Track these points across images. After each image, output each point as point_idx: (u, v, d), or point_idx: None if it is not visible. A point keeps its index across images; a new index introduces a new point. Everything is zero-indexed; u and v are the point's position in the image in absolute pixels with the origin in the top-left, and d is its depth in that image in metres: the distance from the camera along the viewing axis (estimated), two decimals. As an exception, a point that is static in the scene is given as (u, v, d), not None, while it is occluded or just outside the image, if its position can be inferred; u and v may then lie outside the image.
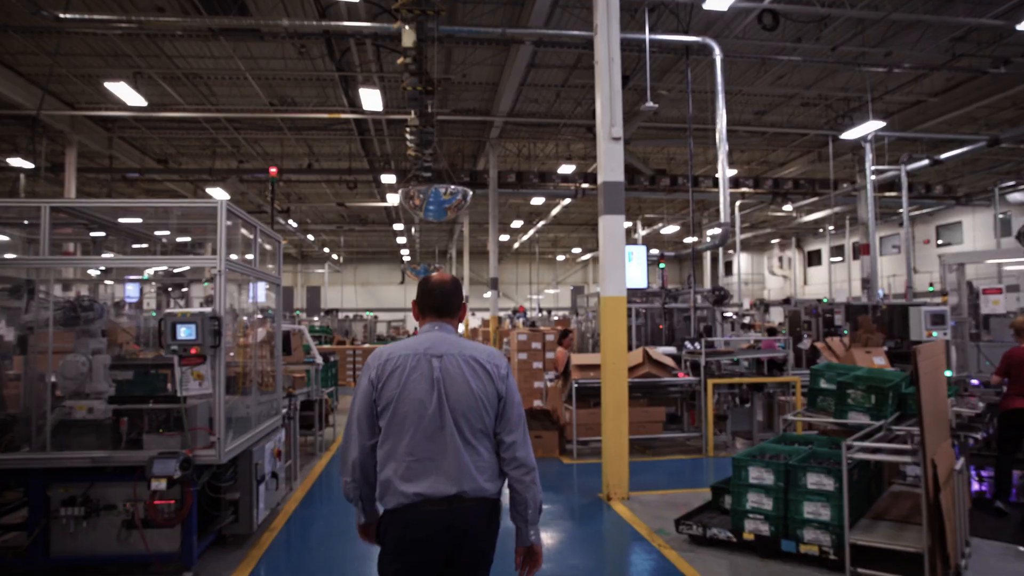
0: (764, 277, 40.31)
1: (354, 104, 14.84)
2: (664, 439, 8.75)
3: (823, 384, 5.84)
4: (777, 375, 9.08)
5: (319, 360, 8.41)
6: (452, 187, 9.55)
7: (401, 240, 33.98)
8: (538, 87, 15.04)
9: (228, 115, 15.17)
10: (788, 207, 22.64)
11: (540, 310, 33.80)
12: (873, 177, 15.24)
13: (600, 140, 6.62)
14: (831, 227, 27.83)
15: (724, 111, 10.75)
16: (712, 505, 5.45)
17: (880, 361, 9.36)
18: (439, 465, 2.24)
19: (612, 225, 6.52)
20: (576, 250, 40.90)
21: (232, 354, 5.67)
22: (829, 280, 25.40)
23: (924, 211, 25.30)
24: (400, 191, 9.41)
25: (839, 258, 31.15)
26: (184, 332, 4.14)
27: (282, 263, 6.41)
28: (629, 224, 30.46)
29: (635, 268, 11.64)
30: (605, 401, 6.50)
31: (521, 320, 28.45)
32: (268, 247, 6.43)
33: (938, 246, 26.58)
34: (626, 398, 6.46)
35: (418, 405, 2.26)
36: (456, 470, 2.24)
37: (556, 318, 32.86)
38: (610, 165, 6.53)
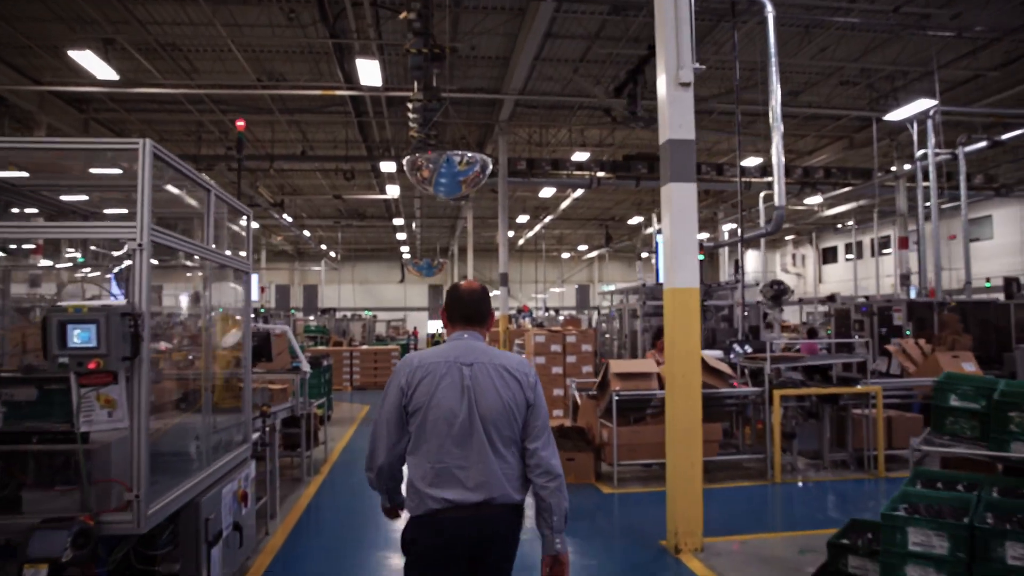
0: (776, 275, 38.91)
1: (350, 80, 13.41)
2: (720, 462, 7.30)
3: (955, 402, 4.41)
4: (835, 384, 7.65)
5: (306, 367, 6.97)
6: (469, 155, 7.95)
7: (401, 236, 32.55)
8: (554, 62, 13.61)
9: (211, 91, 13.73)
10: (816, 199, 21.22)
11: (547, 309, 32.34)
12: (923, 162, 13.79)
13: (664, 87, 5.18)
14: (851, 221, 26.46)
15: (778, 81, 9.30)
16: (833, 571, 4.01)
17: (970, 367, 7.94)
18: (468, 472, 2.25)
19: (682, 196, 5.08)
20: (582, 247, 39.47)
21: (170, 364, 4.26)
22: (855, 276, 23.99)
23: (953, 204, 23.89)
24: (406, 161, 7.93)
25: (850, 255, 29.82)
26: (78, 336, 2.68)
27: (252, 246, 4.96)
28: (640, 219, 29.03)
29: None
30: (672, 420, 5.07)
31: (527, 319, 27.08)
32: (241, 230, 5.01)
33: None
34: (699, 418, 5.02)
35: (448, 412, 2.27)
36: (485, 477, 2.25)
37: (563, 318, 31.44)
38: (678, 118, 5.10)
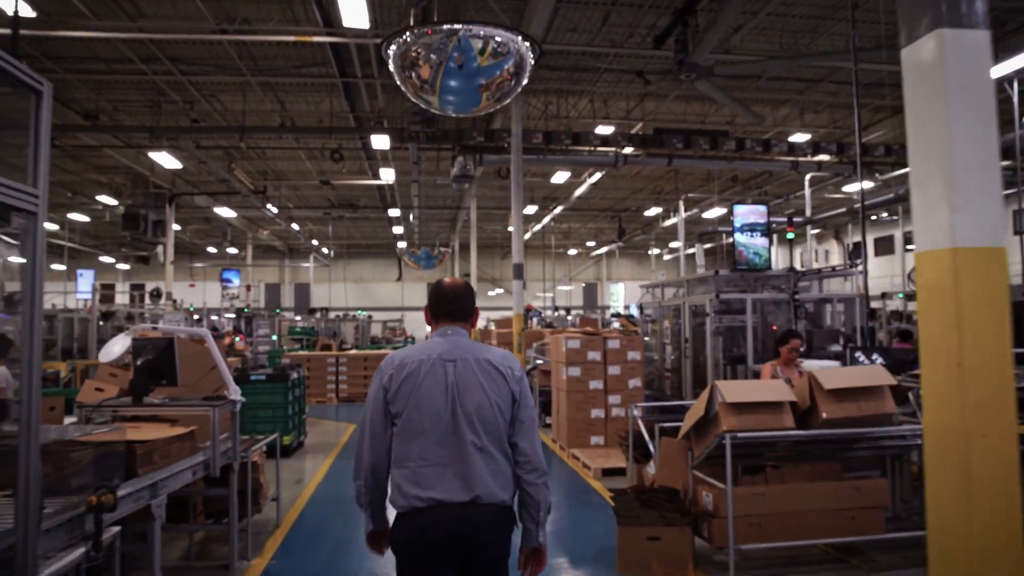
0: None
1: (331, 24, 10.89)
2: (890, 540, 4.74)
3: None
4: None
5: (236, 395, 4.41)
6: (498, 36, 5.18)
7: (398, 230, 30.03)
8: (581, 4, 11.12)
9: (156, 36, 11.19)
10: (863, 184, 18.71)
11: (555, 309, 29.78)
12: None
13: None
14: (884, 213, 24.03)
15: None
16: None
17: None
18: (452, 470, 2.21)
19: (965, 58, 2.55)
20: (591, 243, 36.94)
21: None
22: (903, 271, 21.49)
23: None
24: (392, 52, 5.30)
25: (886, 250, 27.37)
26: None
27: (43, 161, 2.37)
28: (658, 210, 26.51)
29: (744, 239, 7.72)
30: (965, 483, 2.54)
31: (535, 319, 24.57)
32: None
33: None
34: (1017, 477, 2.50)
35: (431, 410, 2.24)
36: (470, 476, 2.20)
37: (573, 317, 28.89)
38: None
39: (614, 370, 8.51)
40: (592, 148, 15.34)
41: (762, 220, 7.73)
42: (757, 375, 7.60)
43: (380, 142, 14.60)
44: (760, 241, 7.64)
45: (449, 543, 2.17)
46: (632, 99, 15.52)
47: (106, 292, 32.49)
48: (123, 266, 37.00)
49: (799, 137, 15.87)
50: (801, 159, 16.48)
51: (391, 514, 2.32)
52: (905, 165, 16.11)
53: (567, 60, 13.23)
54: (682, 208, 20.18)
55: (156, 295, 20.82)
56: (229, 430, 4.42)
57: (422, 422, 2.23)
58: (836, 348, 7.40)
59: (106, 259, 34.88)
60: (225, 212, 21.22)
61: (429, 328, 2.47)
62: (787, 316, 8.43)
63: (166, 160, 15.00)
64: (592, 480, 7.25)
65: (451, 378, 2.27)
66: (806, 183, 17.27)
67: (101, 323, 16.08)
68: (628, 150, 15.35)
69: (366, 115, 14.96)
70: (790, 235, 8.38)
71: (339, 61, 12.82)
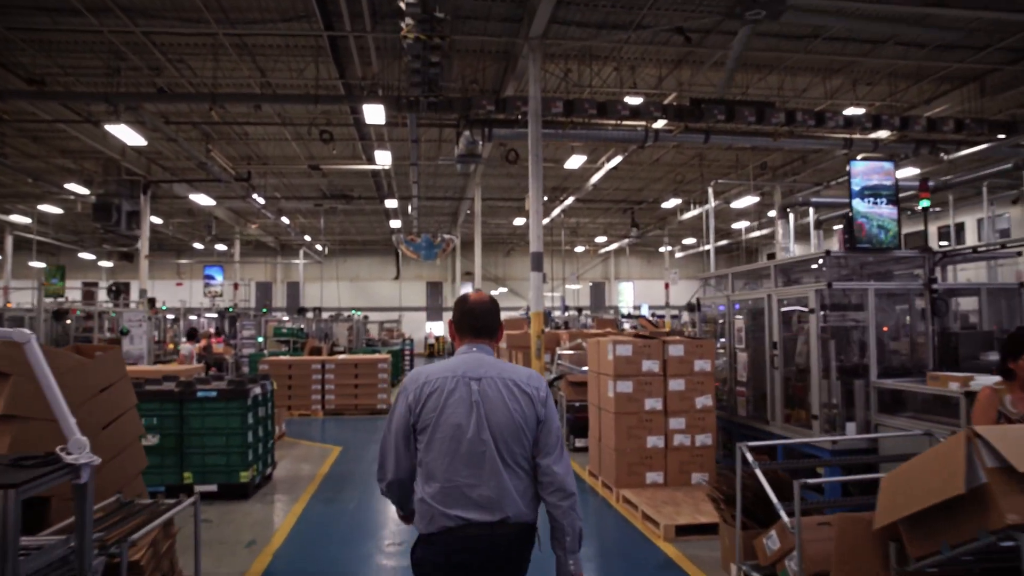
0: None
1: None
2: None
3: None
4: None
5: (82, 452, 2.35)
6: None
7: (395, 224, 28.03)
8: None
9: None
10: (913, 172, 16.76)
11: (566, 308, 27.72)
12: None
13: None
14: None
15: None
16: None
17: None
18: (479, 491, 2.16)
19: None
20: (600, 239, 34.89)
21: None
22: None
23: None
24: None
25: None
26: None
27: None
28: (676, 201, 24.46)
29: (864, 207, 5.69)
30: None
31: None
32: None
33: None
34: None
35: (456, 429, 2.20)
36: (498, 496, 2.17)
37: (586, 318, 26.88)
38: None
39: (677, 385, 6.48)
40: (618, 122, 13.34)
41: (888, 181, 5.71)
42: (886, 395, 5.57)
43: (374, 114, 12.55)
44: (886, 211, 5.62)
45: (476, 563, 2.14)
46: (665, 65, 13.49)
47: (87, 290, 30.37)
48: (106, 263, 34.93)
49: (854, 111, 13.85)
50: (856, 136, 14.49)
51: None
52: (977, 143, 14.12)
53: (594, 14, 11.21)
54: (711, 195, 18.11)
55: (115, 292, 18.69)
56: (71, 514, 2.38)
57: (448, 441, 2.19)
58: (992, 356, 5.39)
59: (86, 256, 32.79)
60: (203, 200, 19.13)
61: (453, 341, 2.44)
62: (902, 313, 6.41)
63: (128, 135, 12.94)
64: (662, 543, 5.20)
65: (476, 396, 2.22)
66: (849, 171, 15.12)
67: (55, 323, 14.05)
68: (660, 124, 13.33)
69: (358, 82, 12.91)
70: (924, 203, 6.32)
71: (325, 14, 10.80)
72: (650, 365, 6.44)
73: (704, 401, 6.53)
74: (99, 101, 12.10)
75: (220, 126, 16.21)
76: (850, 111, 13.75)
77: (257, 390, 6.73)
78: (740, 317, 7.13)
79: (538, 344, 10.28)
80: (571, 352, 10.17)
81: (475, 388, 2.22)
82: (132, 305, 15.83)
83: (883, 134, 14.22)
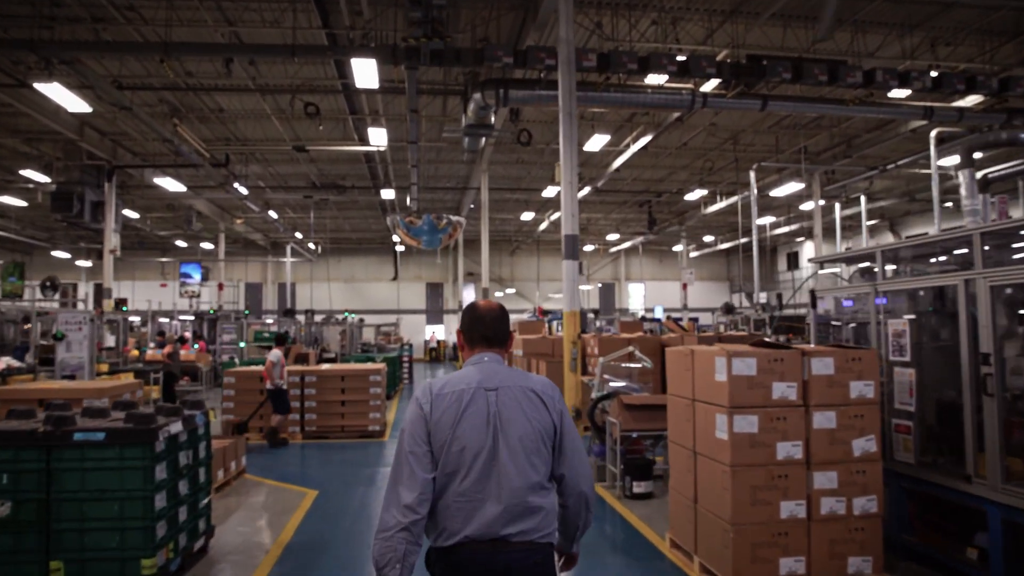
0: (843, 273, 32.06)
1: None
2: None
3: None
4: None
5: None
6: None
7: (389, 194, 25.65)
8: None
9: None
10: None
11: (584, 312, 25.32)
12: None
13: None
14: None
15: None
16: None
17: None
18: (495, 505, 2.05)
19: None
20: (612, 236, 32.55)
21: None
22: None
23: None
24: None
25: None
26: None
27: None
28: (701, 192, 22.16)
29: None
30: None
31: (555, 324, 20.27)
32: None
33: None
34: None
35: (474, 442, 2.08)
36: (515, 510, 2.06)
37: (602, 322, 24.54)
38: None
39: (825, 420, 4.17)
40: (659, 85, 11.06)
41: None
42: None
43: (365, 73, 10.25)
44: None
45: None
46: (715, 17, 11.22)
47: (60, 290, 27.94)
48: (85, 263, 32.58)
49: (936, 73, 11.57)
50: (937, 104, 12.22)
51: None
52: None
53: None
54: (753, 180, 15.80)
55: (50, 287, 16.30)
56: None
57: (464, 455, 2.06)
58: None
59: (61, 254, 30.43)
60: (172, 185, 16.79)
61: (461, 351, 2.35)
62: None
63: (66, 98, 10.62)
64: None
65: (493, 407, 2.12)
66: (931, 143, 12.70)
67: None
68: (710, 86, 11.05)
69: (345, 31, 10.59)
70: None
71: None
72: (784, 390, 4.13)
73: (865, 445, 4.22)
74: (24, 49, 9.76)
75: (187, 95, 13.90)
76: (934, 73, 11.48)
77: (175, 428, 4.39)
78: (896, 319, 4.82)
79: (574, 353, 7.95)
80: (615, 363, 7.86)
81: (492, 399, 2.12)
82: (79, 305, 13.46)
83: (972, 101, 11.94)
